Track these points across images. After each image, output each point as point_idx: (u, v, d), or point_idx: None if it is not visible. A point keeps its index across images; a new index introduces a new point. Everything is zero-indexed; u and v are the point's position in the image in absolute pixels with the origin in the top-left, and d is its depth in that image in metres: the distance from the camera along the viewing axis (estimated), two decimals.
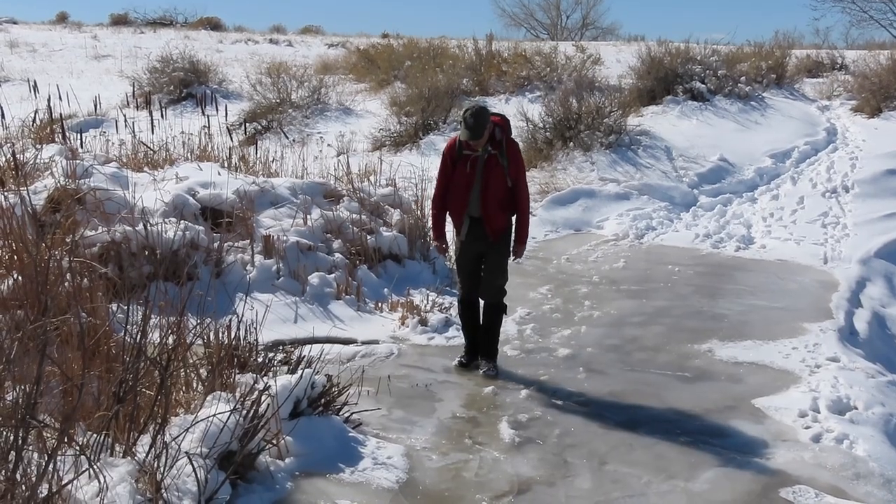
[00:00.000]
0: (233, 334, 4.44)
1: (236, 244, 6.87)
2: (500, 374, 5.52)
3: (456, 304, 5.91)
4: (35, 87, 10.85)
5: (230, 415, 3.59)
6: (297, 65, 18.12)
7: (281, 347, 5.44)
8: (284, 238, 7.00)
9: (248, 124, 14.02)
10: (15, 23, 32.52)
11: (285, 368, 4.71)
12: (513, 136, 5.46)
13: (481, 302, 5.61)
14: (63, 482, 2.92)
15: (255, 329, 4.60)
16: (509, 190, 5.34)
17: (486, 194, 5.30)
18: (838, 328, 6.61)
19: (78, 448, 3.07)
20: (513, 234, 5.52)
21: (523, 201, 5.42)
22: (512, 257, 5.54)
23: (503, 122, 5.35)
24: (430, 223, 6.00)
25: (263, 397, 3.85)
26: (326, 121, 15.43)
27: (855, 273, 8.25)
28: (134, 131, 9.72)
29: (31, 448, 2.96)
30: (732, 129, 13.39)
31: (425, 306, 6.69)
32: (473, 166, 5.30)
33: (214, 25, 33.29)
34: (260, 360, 4.57)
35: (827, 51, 20.53)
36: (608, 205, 10.46)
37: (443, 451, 4.47)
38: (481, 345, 5.63)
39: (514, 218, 5.49)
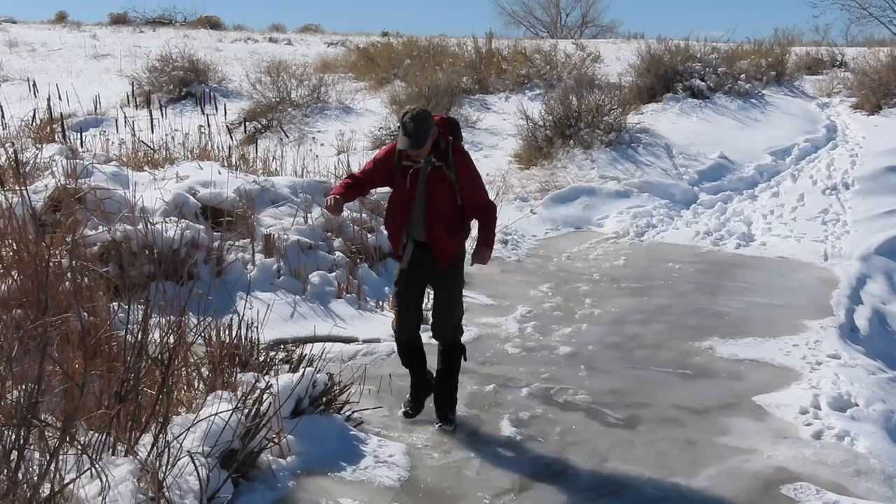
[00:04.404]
0: (234, 333, 4.44)
1: (237, 243, 6.87)
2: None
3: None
4: (34, 86, 10.87)
5: (232, 414, 3.59)
6: (296, 63, 18.10)
7: (282, 346, 5.44)
8: (285, 237, 7.00)
9: (247, 123, 14.02)
10: (14, 22, 32.48)
11: (287, 367, 4.70)
12: (462, 142, 4.55)
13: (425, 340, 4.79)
14: (65, 481, 2.92)
15: (257, 328, 4.59)
16: (460, 209, 4.47)
17: (430, 215, 4.40)
18: (839, 325, 6.61)
19: (80, 447, 3.07)
20: (466, 254, 4.64)
21: (488, 207, 4.54)
22: (470, 260, 4.57)
23: (449, 127, 4.46)
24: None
25: (265, 396, 3.85)
26: (326, 119, 15.43)
27: (855, 270, 8.24)
28: (134, 130, 9.72)
29: (32, 447, 2.96)
30: (732, 127, 13.38)
31: (426, 305, 6.67)
32: (414, 181, 4.39)
33: (214, 24, 33.27)
34: (261, 358, 4.56)
35: (827, 48, 20.55)
36: (608, 203, 10.46)
37: (444, 450, 4.47)
38: (436, 394, 4.74)
39: (471, 233, 4.65)
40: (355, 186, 4.61)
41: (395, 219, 4.52)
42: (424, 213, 4.41)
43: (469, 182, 4.45)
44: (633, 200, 10.55)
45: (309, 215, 7.41)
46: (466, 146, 4.65)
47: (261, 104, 15.65)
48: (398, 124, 4.36)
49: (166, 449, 3.23)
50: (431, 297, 4.80)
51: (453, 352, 4.71)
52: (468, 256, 4.64)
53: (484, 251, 4.52)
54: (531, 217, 9.90)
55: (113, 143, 9.59)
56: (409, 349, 4.74)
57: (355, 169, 7.81)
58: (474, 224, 4.65)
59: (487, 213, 4.54)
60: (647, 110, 13.79)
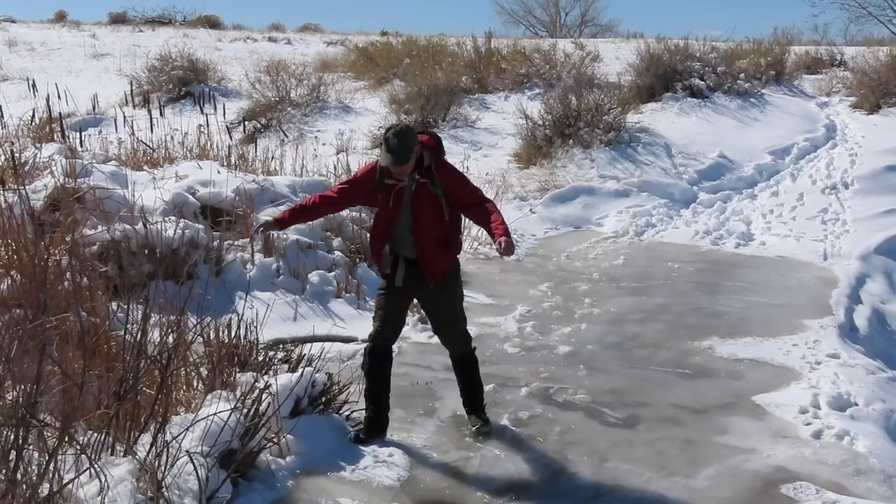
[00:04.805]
0: (233, 333, 4.44)
1: (236, 242, 6.87)
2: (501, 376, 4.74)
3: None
4: (34, 85, 10.86)
5: (231, 413, 3.59)
6: (296, 63, 18.08)
7: (281, 346, 5.43)
8: (284, 236, 6.99)
9: (247, 123, 14.01)
10: (13, 21, 32.45)
11: (286, 367, 4.70)
12: (444, 156, 4.48)
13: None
14: (64, 481, 2.92)
15: (256, 327, 4.59)
16: (449, 223, 4.38)
17: (419, 234, 4.31)
18: (838, 324, 6.61)
19: (79, 447, 3.07)
20: (464, 250, 4.66)
21: (488, 201, 4.43)
22: (501, 255, 4.24)
23: (432, 143, 4.38)
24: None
25: (264, 396, 3.85)
26: (326, 119, 15.41)
27: (855, 269, 8.24)
28: (133, 130, 9.72)
29: (31, 447, 2.96)
30: (732, 126, 13.38)
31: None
32: (398, 200, 4.30)
33: (213, 24, 33.25)
34: (260, 358, 4.56)
35: (826, 47, 20.55)
36: (608, 202, 10.46)
37: (443, 449, 4.47)
38: (469, 400, 4.68)
39: (462, 247, 4.59)
40: (319, 207, 4.62)
41: (378, 237, 4.46)
42: (412, 231, 4.33)
43: (459, 185, 4.37)
44: (633, 200, 10.54)
45: None
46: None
47: (260, 103, 15.64)
48: (381, 141, 4.29)
49: (165, 449, 3.23)
50: (425, 312, 4.76)
51: (471, 360, 4.65)
52: (495, 253, 4.52)
53: (508, 241, 4.22)
54: (530, 216, 9.90)
55: (112, 142, 9.59)
56: (381, 356, 4.47)
57: (354, 167, 7.80)
58: (465, 238, 4.52)
59: (491, 205, 4.41)
60: (647, 110, 13.78)
